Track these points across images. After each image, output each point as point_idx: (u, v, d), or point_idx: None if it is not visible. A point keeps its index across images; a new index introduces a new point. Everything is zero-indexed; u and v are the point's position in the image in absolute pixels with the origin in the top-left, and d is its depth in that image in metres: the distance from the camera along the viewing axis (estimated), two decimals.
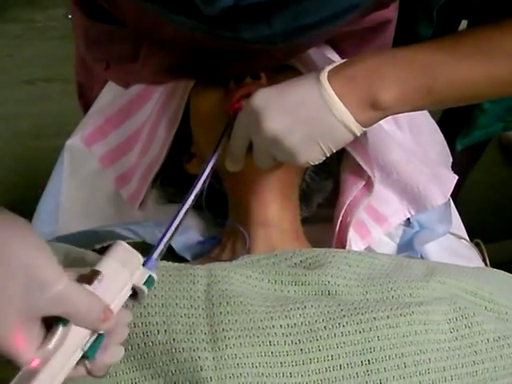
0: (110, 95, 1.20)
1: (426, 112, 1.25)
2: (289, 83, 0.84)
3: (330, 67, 0.82)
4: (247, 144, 0.87)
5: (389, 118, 1.15)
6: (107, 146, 1.13)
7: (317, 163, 0.84)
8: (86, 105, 1.25)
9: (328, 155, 0.84)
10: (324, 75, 0.80)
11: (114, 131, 1.13)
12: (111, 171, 1.13)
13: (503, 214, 2.26)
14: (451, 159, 1.24)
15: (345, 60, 0.83)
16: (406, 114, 1.17)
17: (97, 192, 1.13)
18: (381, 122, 1.10)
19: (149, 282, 0.66)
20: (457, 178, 1.10)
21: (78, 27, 1.10)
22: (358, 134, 0.82)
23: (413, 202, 1.06)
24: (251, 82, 0.93)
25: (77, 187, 1.14)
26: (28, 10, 2.98)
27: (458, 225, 1.17)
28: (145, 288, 0.65)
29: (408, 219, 1.08)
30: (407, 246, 1.04)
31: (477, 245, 1.15)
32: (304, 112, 0.80)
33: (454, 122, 1.62)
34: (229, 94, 0.94)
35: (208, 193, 1.03)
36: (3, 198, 2.30)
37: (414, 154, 1.10)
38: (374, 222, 1.05)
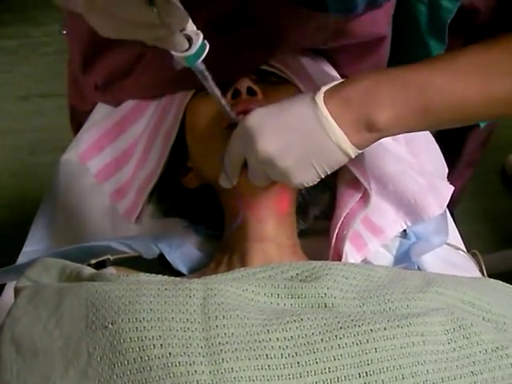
0: (104, 110, 1.20)
1: None
2: (284, 103, 0.84)
3: (325, 88, 0.82)
4: (241, 162, 0.88)
5: None
6: (102, 160, 1.13)
7: (311, 184, 0.85)
8: (78, 128, 1.25)
9: (323, 176, 0.84)
10: (320, 96, 0.81)
11: (109, 146, 1.13)
12: (107, 186, 1.12)
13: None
14: (447, 170, 1.24)
15: (341, 80, 0.83)
16: None
17: (92, 207, 1.12)
18: None
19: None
20: (453, 188, 1.10)
21: (82, 32, 1.10)
22: (353, 157, 0.82)
23: (409, 214, 1.06)
24: (247, 98, 0.93)
25: (72, 202, 1.14)
26: (23, 27, 2.98)
27: (454, 235, 1.17)
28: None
29: (404, 231, 1.08)
30: (404, 258, 1.03)
31: (473, 255, 1.14)
32: (299, 134, 0.81)
33: None
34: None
35: (204, 208, 1.03)
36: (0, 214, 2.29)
37: (409, 166, 1.09)
38: (371, 234, 1.04)
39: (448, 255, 1.10)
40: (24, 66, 2.86)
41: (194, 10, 0.90)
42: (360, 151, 0.82)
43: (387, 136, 0.84)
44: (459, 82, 0.83)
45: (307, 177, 0.83)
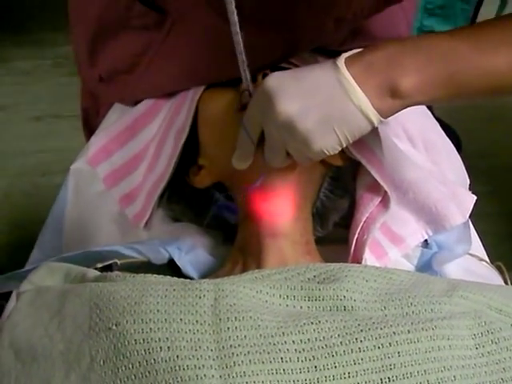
0: (115, 116, 1.18)
1: (441, 132, 1.23)
2: (304, 68, 0.82)
3: (346, 54, 0.79)
4: (258, 134, 0.84)
5: (403, 137, 1.14)
6: (112, 165, 1.10)
7: (332, 153, 0.80)
8: (91, 132, 1.23)
9: (344, 145, 0.80)
10: (341, 61, 0.77)
11: (119, 150, 1.10)
12: (115, 191, 1.09)
13: None
14: (468, 181, 1.21)
15: (361, 49, 0.80)
16: (421, 133, 1.15)
17: (101, 213, 1.09)
18: (395, 140, 1.08)
19: None
20: (475, 198, 1.06)
21: (89, 17, 1.09)
22: (376, 124, 0.78)
23: (430, 222, 1.02)
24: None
25: (81, 210, 1.11)
26: (38, 48, 2.99)
27: (477, 246, 1.12)
28: None
29: (426, 240, 1.04)
30: (425, 267, 0.99)
31: (498, 268, 1.10)
32: (320, 96, 0.77)
33: None
34: (240, 93, 0.91)
35: (217, 212, 1.00)
36: (11, 236, 2.28)
37: (430, 173, 1.06)
38: (391, 243, 1.00)
39: (471, 266, 1.05)
40: (37, 87, 2.86)
41: None
42: (383, 120, 0.79)
43: (412, 105, 0.80)
44: (486, 51, 0.79)
45: (328, 142, 0.79)
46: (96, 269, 0.84)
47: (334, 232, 1.03)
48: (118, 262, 0.86)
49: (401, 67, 0.77)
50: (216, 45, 0.96)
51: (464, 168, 1.21)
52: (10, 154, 2.56)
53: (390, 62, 0.77)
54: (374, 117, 0.77)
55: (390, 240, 1.00)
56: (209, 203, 1.00)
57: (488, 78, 0.80)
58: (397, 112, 0.80)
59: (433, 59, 0.78)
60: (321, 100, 0.77)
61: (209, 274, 0.93)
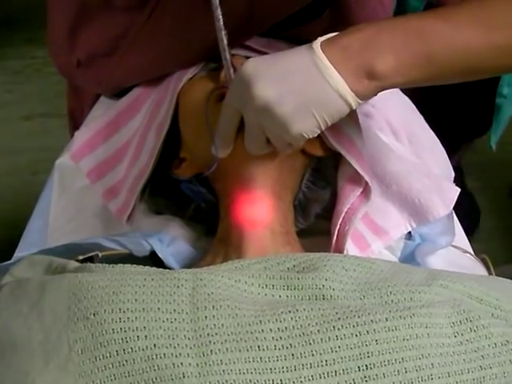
0: (99, 112, 1.18)
1: (426, 125, 1.23)
2: (280, 53, 0.82)
3: (322, 38, 0.79)
4: (237, 121, 0.84)
5: (387, 130, 1.14)
6: (95, 160, 1.10)
7: (311, 136, 0.80)
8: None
9: (323, 128, 0.80)
10: (317, 44, 0.78)
11: (102, 145, 1.10)
12: (99, 186, 1.09)
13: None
14: (453, 174, 1.21)
15: (338, 33, 0.80)
16: (405, 126, 1.15)
17: (85, 208, 1.09)
18: (379, 133, 1.08)
19: None
20: (459, 190, 1.06)
21: None
22: (354, 106, 0.78)
23: (414, 215, 1.02)
24: None
25: (65, 204, 1.11)
26: (28, 47, 2.98)
27: (461, 239, 1.12)
28: None
29: (409, 232, 1.04)
30: (409, 259, 0.99)
31: (483, 260, 1.10)
32: (297, 80, 0.78)
33: (479, 120, 1.65)
34: (220, 82, 0.92)
35: (198, 204, 1.00)
36: (1, 233, 2.27)
37: (414, 166, 1.06)
38: (374, 235, 1.00)
39: (455, 258, 1.06)
40: (27, 85, 2.85)
41: None
42: (361, 102, 0.79)
43: (389, 87, 0.80)
44: (462, 30, 0.79)
45: (306, 125, 0.79)
46: (78, 261, 0.84)
47: (317, 224, 1.03)
48: (100, 255, 0.86)
49: (377, 49, 0.77)
50: (198, 26, 0.96)
51: (449, 161, 1.21)
52: (0, 152, 2.55)
53: (366, 43, 0.77)
54: (352, 99, 0.77)
55: (374, 232, 1.00)
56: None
57: (465, 57, 0.80)
58: (375, 94, 0.80)
59: (409, 40, 0.78)
60: (298, 83, 0.77)
61: (190, 265, 0.92)
